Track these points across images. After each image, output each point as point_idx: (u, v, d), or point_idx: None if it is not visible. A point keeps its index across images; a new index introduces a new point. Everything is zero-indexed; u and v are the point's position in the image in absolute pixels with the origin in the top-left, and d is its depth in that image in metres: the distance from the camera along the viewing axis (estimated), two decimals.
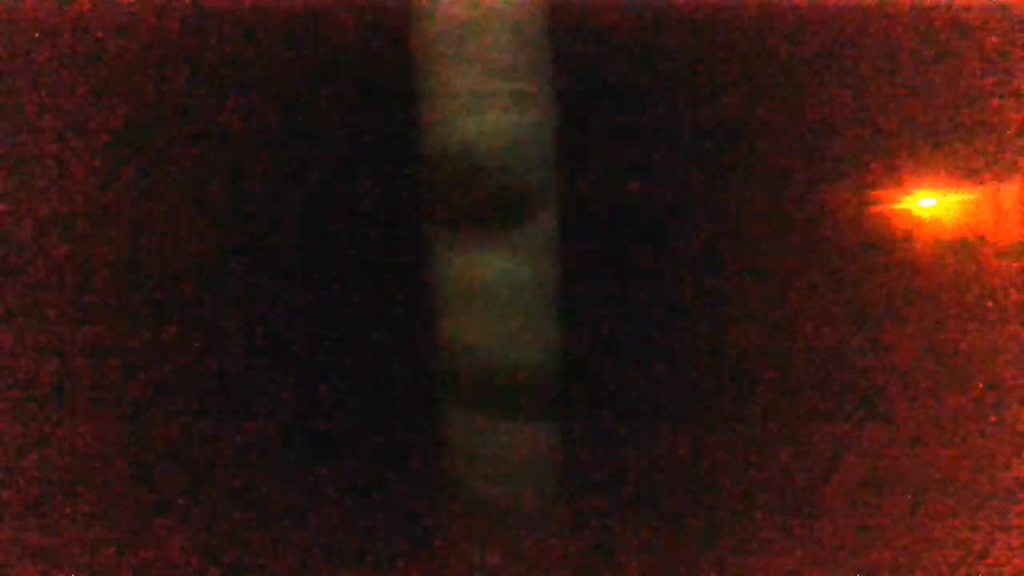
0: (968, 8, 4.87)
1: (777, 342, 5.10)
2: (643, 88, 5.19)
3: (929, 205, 5.72)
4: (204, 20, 4.06)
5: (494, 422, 2.21)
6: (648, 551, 3.87)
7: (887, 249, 5.79)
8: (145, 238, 4.26)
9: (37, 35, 3.82)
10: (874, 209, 5.76)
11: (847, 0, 4.97)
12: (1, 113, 3.88)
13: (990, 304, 5.35)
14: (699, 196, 5.46)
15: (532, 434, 2.24)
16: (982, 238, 5.68)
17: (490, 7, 2.06)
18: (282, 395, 4.24)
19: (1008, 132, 5.16)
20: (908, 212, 5.70)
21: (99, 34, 3.90)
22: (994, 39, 4.88)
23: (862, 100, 5.42)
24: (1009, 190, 5.50)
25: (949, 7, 4.90)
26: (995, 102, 5.14)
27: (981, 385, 4.66)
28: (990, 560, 3.54)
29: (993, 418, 4.17)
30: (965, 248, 5.69)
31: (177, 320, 4.26)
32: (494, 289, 2.16)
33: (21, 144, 3.94)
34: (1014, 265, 5.60)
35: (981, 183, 5.53)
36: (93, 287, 4.12)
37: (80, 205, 4.09)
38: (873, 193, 5.74)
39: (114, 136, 4.12)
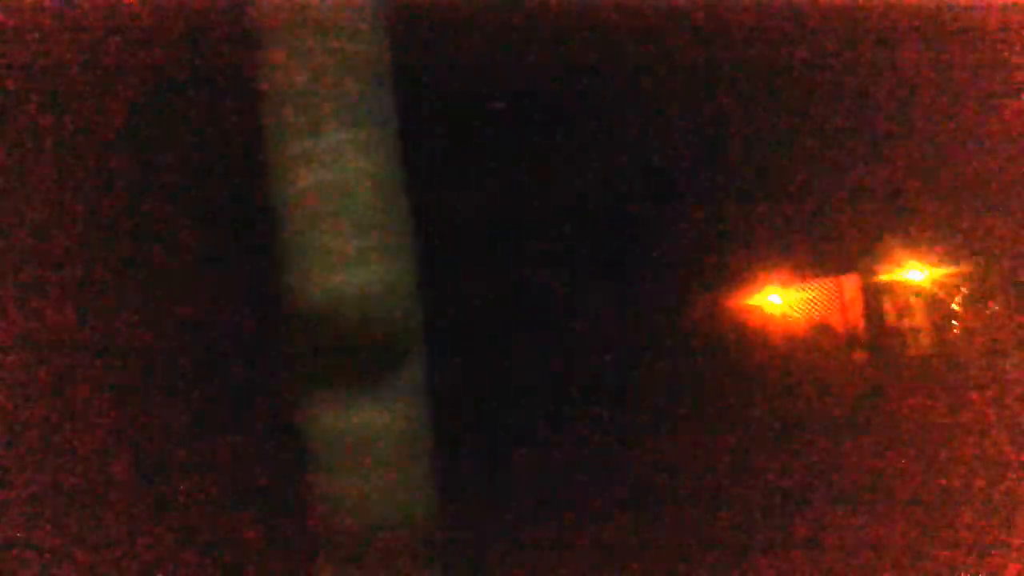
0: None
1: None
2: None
3: (776, 301, 5.85)
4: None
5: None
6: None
7: (741, 343, 5.85)
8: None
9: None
10: (727, 304, 5.83)
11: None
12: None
13: (833, 389, 5.43)
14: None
15: None
16: (826, 328, 5.83)
17: (352, 167, 2.18)
18: None
19: (851, 231, 5.40)
20: (759, 307, 5.81)
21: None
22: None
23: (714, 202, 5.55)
24: (849, 282, 5.71)
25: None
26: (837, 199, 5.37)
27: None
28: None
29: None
30: (812, 338, 5.82)
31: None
32: (363, 441, 2.24)
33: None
34: (856, 355, 5.75)
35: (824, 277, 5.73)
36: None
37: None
38: (725, 290, 5.83)
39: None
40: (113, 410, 4.06)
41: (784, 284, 5.84)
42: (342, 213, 2.18)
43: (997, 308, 4.95)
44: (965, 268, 5.18)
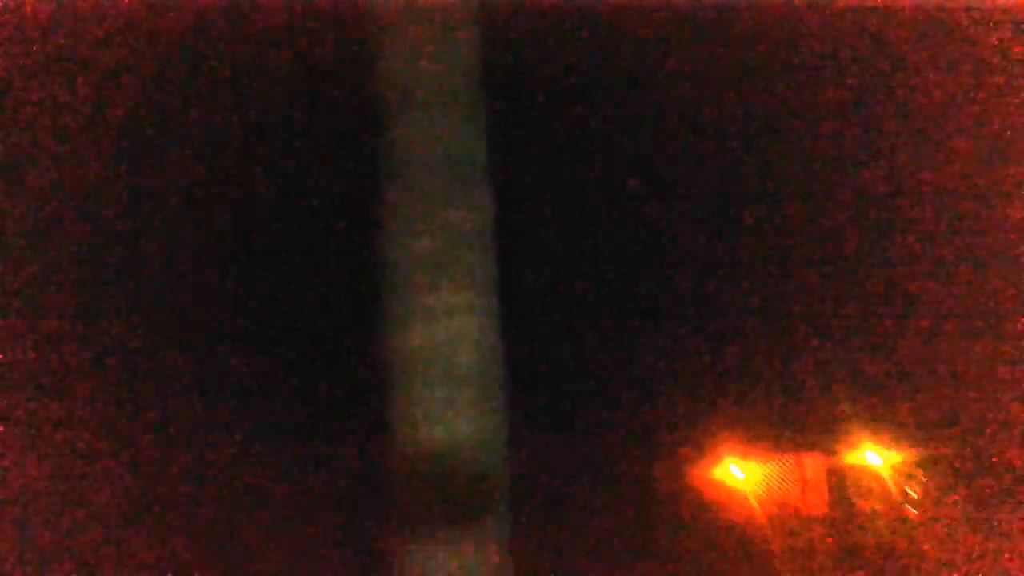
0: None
1: None
2: None
3: (737, 474, 5.86)
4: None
5: None
6: None
7: (699, 512, 5.82)
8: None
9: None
10: (688, 472, 5.82)
11: None
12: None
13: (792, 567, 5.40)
14: None
15: None
16: (786, 504, 5.85)
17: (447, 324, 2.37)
18: None
19: (816, 409, 5.52)
20: (721, 482, 5.80)
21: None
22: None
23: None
24: (811, 460, 5.78)
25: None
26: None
27: None
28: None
29: None
30: (772, 512, 5.82)
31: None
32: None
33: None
34: (814, 533, 5.76)
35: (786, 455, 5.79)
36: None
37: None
38: (686, 457, 5.83)
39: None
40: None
41: (746, 457, 5.87)
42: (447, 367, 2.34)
43: (957, 499, 5.08)
44: (928, 455, 5.34)
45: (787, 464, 5.81)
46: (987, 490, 5.06)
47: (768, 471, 5.82)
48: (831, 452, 5.73)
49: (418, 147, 2.46)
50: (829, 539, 5.57)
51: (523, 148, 4.69)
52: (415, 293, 2.41)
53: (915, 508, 5.42)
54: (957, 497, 5.17)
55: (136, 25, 4.03)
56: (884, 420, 5.51)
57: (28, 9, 3.86)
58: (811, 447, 5.76)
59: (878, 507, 5.56)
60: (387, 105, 2.47)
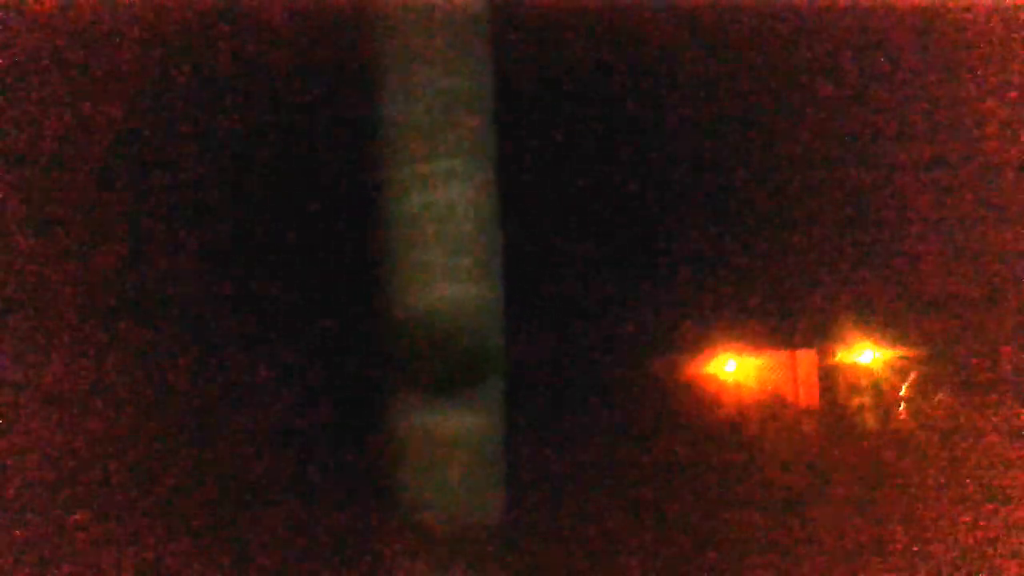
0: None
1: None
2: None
3: (731, 369, 5.92)
4: None
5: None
6: None
7: (694, 407, 5.91)
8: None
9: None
10: (683, 367, 5.89)
11: None
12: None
13: (784, 458, 5.49)
14: None
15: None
16: (779, 398, 5.91)
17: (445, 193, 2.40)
18: None
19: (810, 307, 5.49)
20: (714, 374, 5.88)
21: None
22: None
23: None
24: (803, 357, 5.80)
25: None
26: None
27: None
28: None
29: None
30: (764, 407, 5.90)
31: None
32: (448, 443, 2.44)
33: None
34: (805, 427, 5.83)
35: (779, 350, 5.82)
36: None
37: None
38: (680, 358, 5.89)
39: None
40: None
41: (740, 353, 5.91)
42: (441, 233, 2.40)
43: (945, 397, 5.07)
44: (917, 354, 5.30)
45: (781, 360, 5.84)
46: (974, 388, 5.03)
47: (762, 366, 5.87)
48: (823, 349, 5.73)
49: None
50: (819, 430, 5.64)
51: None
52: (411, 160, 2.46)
53: (903, 404, 5.43)
54: (943, 395, 5.16)
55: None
56: (876, 319, 5.46)
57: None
58: (804, 344, 5.77)
59: (867, 402, 5.59)
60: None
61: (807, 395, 5.78)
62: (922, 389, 5.31)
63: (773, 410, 5.77)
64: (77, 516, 3.75)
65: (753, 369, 5.91)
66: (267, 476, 4.28)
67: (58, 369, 4.02)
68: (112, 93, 4.18)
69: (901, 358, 5.47)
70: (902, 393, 5.41)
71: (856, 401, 5.62)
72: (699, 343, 5.83)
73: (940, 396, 5.15)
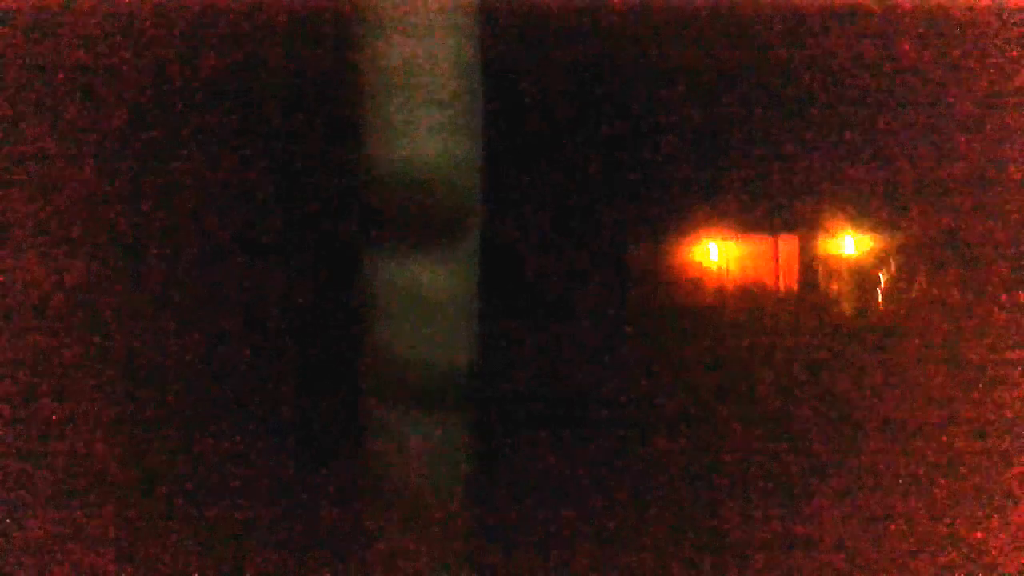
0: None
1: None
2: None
3: (714, 254, 5.92)
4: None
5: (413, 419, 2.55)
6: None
7: (675, 289, 5.95)
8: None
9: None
10: (664, 257, 5.89)
11: None
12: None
13: (765, 343, 5.57)
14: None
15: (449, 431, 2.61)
16: (760, 283, 5.96)
17: (428, 43, 2.37)
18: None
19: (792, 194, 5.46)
20: (698, 262, 5.88)
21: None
22: None
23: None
24: (784, 243, 5.80)
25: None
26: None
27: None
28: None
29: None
30: (745, 291, 5.95)
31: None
32: (424, 294, 2.51)
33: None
34: (791, 309, 5.90)
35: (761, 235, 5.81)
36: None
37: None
38: (662, 242, 5.87)
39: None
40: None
41: (722, 238, 5.90)
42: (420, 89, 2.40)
43: (923, 287, 5.13)
44: (897, 242, 5.33)
45: (762, 245, 5.84)
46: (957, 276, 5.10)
47: (743, 252, 5.87)
48: (804, 235, 5.74)
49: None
50: (799, 316, 5.72)
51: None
52: None
53: (883, 293, 5.50)
54: (923, 287, 5.23)
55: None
56: (858, 206, 5.46)
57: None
58: (785, 229, 5.77)
59: (846, 289, 5.65)
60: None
61: (788, 281, 5.83)
62: (903, 276, 5.37)
63: (753, 295, 5.83)
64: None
65: (734, 254, 5.92)
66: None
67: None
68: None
69: (882, 246, 5.50)
70: (882, 280, 5.47)
71: (834, 287, 5.69)
72: (682, 230, 5.81)
73: (919, 282, 5.22)
